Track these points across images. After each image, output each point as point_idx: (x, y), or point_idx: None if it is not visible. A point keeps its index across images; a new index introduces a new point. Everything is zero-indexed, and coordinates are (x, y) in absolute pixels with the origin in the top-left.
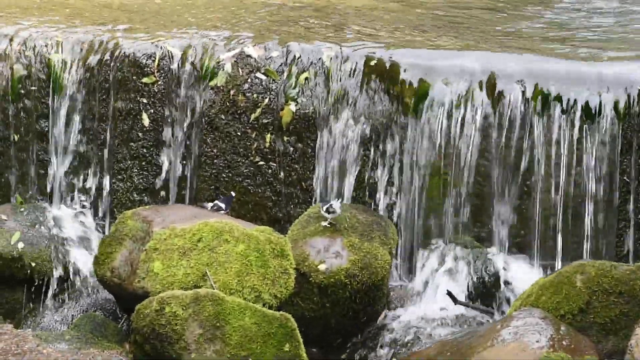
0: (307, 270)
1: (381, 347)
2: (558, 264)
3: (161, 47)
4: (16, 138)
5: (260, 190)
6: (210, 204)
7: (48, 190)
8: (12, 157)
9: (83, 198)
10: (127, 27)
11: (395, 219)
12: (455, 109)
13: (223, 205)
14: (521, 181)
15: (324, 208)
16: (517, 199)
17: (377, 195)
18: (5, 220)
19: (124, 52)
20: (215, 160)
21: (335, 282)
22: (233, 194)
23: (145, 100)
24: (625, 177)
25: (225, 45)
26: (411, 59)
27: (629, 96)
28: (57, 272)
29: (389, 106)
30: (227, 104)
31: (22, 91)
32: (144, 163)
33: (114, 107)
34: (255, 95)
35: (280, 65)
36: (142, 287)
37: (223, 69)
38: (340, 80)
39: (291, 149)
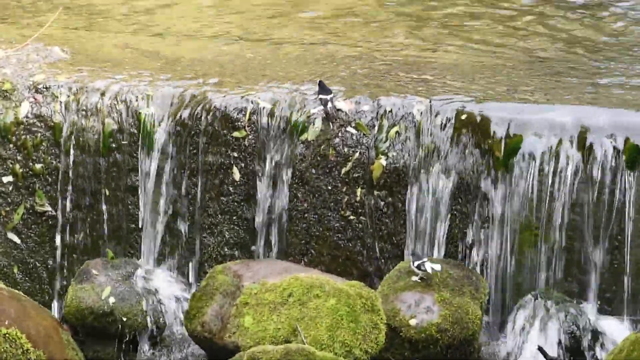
0: (397, 325)
1: None
2: None
3: (252, 101)
4: (107, 192)
5: (350, 245)
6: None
7: (139, 244)
8: (103, 212)
9: (174, 252)
10: (218, 81)
11: (486, 273)
12: (546, 164)
13: (327, 96)
14: (612, 236)
15: (415, 264)
16: (608, 254)
17: (468, 250)
18: (97, 275)
19: (215, 106)
20: (305, 215)
21: (427, 337)
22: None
23: (236, 155)
24: None
25: (316, 99)
26: (502, 112)
27: None
28: (148, 327)
29: (479, 160)
30: (318, 158)
31: (113, 145)
32: (234, 217)
33: (205, 161)
34: (346, 150)
35: (371, 119)
36: (232, 342)
37: (314, 123)
38: (431, 134)
39: (382, 203)
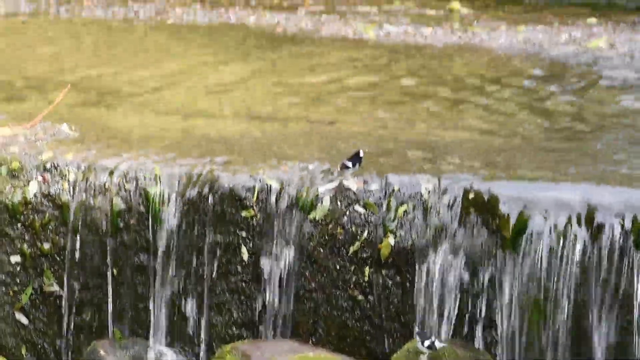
0: None
1: None
2: None
3: (259, 180)
4: (115, 272)
5: (359, 325)
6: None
7: (147, 325)
8: (109, 292)
9: (182, 332)
10: (225, 160)
11: (495, 354)
12: (554, 243)
13: (350, 164)
14: (621, 316)
15: (424, 344)
16: (617, 335)
17: (477, 330)
18: (105, 355)
19: (222, 185)
20: (313, 294)
21: None
22: (361, 152)
23: (244, 234)
24: None
25: (324, 177)
26: (509, 191)
27: None
28: None
29: (487, 239)
30: (326, 237)
31: (122, 224)
32: (242, 297)
33: (213, 240)
34: (354, 229)
35: (379, 198)
36: None
37: (322, 202)
38: (439, 213)
39: (390, 282)
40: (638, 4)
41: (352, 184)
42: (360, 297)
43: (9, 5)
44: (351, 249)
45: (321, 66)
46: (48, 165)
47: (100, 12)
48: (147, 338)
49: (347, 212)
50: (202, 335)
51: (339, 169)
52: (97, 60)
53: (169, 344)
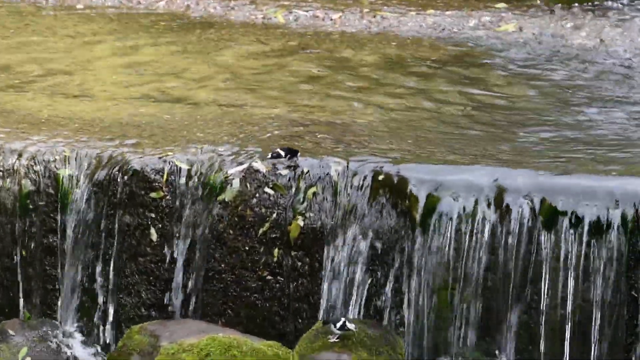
0: None
1: None
2: None
3: (169, 162)
4: (24, 253)
5: (268, 305)
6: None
7: (56, 305)
8: (19, 273)
9: (90, 313)
10: (135, 142)
11: (403, 333)
12: (463, 224)
13: (283, 153)
14: (528, 296)
15: (336, 325)
16: (524, 314)
17: (385, 310)
18: (13, 335)
19: (132, 167)
20: (223, 275)
21: None
22: (299, 154)
23: (153, 215)
24: (633, 293)
25: (233, 160)
26: (419, 173)
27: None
28: None
29: (397, 221)
30: (235, 218)
31: (31, 206)
32: (151, 278)
33: (122, 221)
34: (263, 210)
35: (289, 180)
36: None
37: (231, 184)
38: (348, 195)
39: (299, 263)
40: None
41: (261, 166)
42: (269, 277)
43: None
44: (260, 231)
45: (230, 50)
46: None
47: None
48: (55, 319)
49: (257, 194)
50: (111, 317)
51: (270, 155)
52: (6, 44)
53: (78, 325)
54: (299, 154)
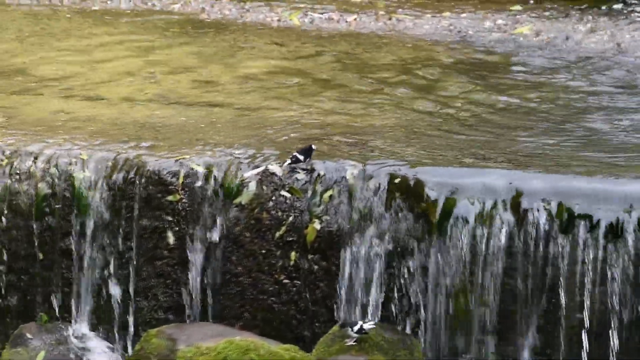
0: None
1: None
2: None
3: (185, 165)
4: (41, 256)
5: (285, 308)
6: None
7: (73, 308)
8: (36, 276)
9: (107, 316)
10: (151, 145)
11: (420, 337)
12: (480, 227)
13: (302, 157)
14: (546, 300)
15: (353, 329)
16: (542, 318)
17: (403, 314)
18: (31, 339)
19: (148, 170)
20: (240, 278)
21: None
22: (313, 146)
23: (170, 218)
24: None
25: (250, 163)
26: (435, 176)
27: None
28: None
29: (413, 224)
30: (252, 221)
31: (47, 209)
32: (168, 281)
33: (139, 225)
34: (279, 213)
35: (305, 183)
36: None
37: (247, 187)
38: (365, 198)
39: (316, 267)
40: None
41: (277, 169)
42: (286, 281)
43: None
44: (277, 234)
45: (245, 53)
46: None
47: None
48: (72, 322)
49: (273, 197)
50: (128, 320)
51: (289, 161)
52: (22, 47)
53: (95, 328)
54: (313, 146)
